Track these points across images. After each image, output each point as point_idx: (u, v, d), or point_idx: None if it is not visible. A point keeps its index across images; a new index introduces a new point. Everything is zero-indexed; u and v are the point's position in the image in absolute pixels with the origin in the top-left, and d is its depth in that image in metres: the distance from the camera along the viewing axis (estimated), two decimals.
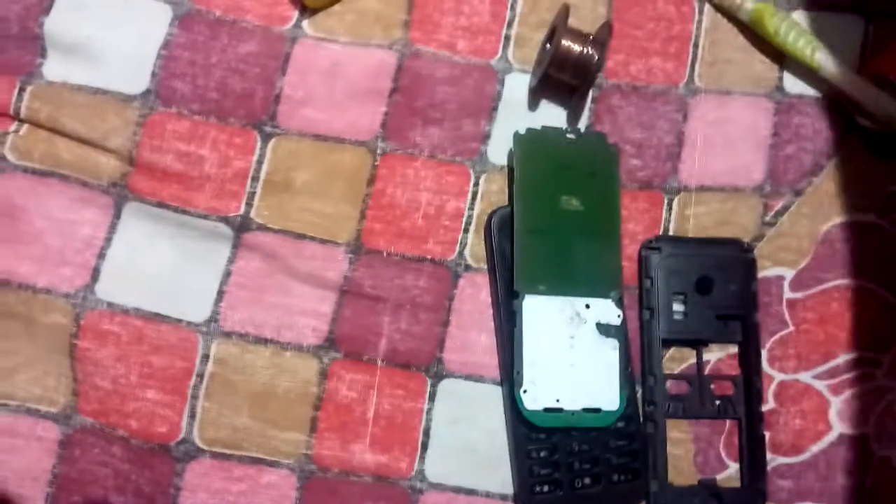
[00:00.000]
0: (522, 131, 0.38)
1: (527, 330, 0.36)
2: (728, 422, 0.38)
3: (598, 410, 0.36)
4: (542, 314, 0.36)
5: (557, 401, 0.36)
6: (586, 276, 0.38)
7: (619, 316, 0.37)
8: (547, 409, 0.36)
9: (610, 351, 0.37)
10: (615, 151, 0.40)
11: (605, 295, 0.37)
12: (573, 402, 0.36)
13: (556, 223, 0.38)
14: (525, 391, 0.35)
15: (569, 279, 0.37)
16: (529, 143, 0.38)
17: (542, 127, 0.39)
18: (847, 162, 0.41)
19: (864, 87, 0.40)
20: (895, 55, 0.42)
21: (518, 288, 0.36)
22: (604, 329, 0.37)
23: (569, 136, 0.39)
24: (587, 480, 0.36)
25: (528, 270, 0.37)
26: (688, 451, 0.38)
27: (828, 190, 0.41)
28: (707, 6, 0.43)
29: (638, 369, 0.38)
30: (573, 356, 0.36)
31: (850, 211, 0.41)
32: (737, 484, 0.38)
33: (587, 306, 0.37)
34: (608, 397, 0.36)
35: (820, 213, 0.40)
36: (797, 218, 0.40)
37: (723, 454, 0.38)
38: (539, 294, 0.37)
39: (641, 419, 0.38)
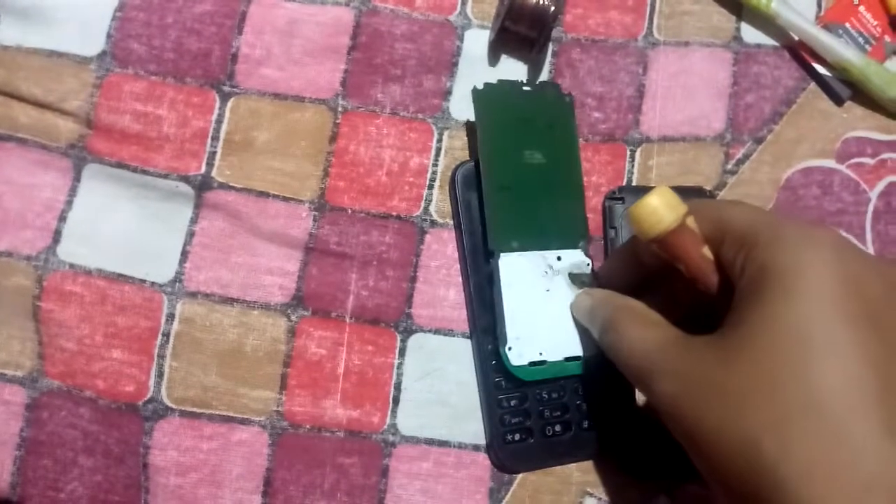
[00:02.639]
0: (480, 86, 0.38)
1: (505, 288, 0.36)
2: None
3: (579, 358, 0.36)
4: (518, 271, 0.36)
5: (541, 354, 0.36)
6: (555, 229, 0.38)
7: (588, 264, 0.37)
8: (532, 363, 0.36)
9: None
10: (570, 101, 0.40)
11: (574, 245, 0.38)
12: (555, 352, 0.36)
13: (522, 178, 0.38)
14: (510, 348, 0.35)
15: (539, 233, 0.37)
16: (488, 98, 0.38)
17: (499, 80, 0.39)
18: (805, 109, 0.42)
19: (820, 35, 0.41)
20: (850, 3, 0.42)
21: (493, 247, 0.36)
22: (576, 278, 0.37)
23: (525, 88, 0.39)
24: (558, 428, 0.36)
25: (501, 229, 0.36)
26: None
27: (788, 137, 0.41)
28: None
29: None
30: (551, 308, 0.36)
31: (810, 157, 0.41)
32: None
33: (559, 258, 0.37)
34: (587, 344, 0.36)
35: (781, 160, 0.41)
36: (758, 165, 0.41)
37: None
38: (513, 251, 0.36)
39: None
